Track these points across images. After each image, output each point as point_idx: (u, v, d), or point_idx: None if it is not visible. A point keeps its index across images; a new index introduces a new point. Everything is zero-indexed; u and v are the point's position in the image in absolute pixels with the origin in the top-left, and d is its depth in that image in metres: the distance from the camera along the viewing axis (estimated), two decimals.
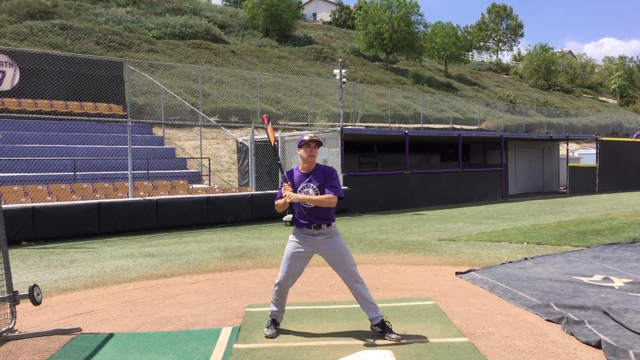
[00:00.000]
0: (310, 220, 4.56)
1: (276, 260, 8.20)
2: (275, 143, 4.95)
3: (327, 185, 4.59)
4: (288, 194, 4.51)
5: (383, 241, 10.36)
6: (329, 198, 4.51)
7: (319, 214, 4.56)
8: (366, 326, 4.76)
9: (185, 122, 20.46)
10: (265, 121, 4.98)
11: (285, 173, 4.69)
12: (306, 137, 4.61)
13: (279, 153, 5.12)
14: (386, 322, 4.54)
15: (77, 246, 10.42)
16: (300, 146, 4.63)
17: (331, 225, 4.62)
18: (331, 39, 52.45)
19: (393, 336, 4.44)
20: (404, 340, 4.40)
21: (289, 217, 12.96)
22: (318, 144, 4.63)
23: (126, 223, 12.11)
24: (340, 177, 16.11)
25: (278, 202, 4.62)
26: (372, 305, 4.58)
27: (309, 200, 4.50)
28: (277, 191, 4.75)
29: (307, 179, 4.63)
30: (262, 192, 14.72)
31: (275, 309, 4.71)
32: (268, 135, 4.95)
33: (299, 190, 4.59)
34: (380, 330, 4.53)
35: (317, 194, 4.55)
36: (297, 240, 4.62)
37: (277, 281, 4.66)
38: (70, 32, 30.26)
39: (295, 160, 16.21)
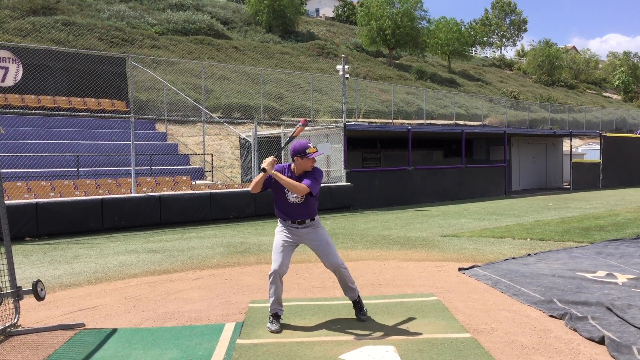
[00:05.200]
0: (294, 216, 4.74)
1: None
2: (292, 139, 4.88)
3: (306, 177, 4.66)
4: (268, 161, 4.52)
5: (386, 237, 10.35)
6: (299, 185, 4.59)
7: (302, 211, 4.73)
8: (369, 322, 4.78)
9: (188, 118, 20.45)
10: (302, 123, 4.94)
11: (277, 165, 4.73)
12: (311, 148, 4.65)
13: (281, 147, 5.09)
14: (360, 302, 4.94)
15: (80, 242, 10.45)
16: (301, 156, 4.64)
17: (314, 219, 4.83)
18: (334, 35, 52.30)
19: (362, 317, 4.85)
20: (407, 336, 4.40)
21: None
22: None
23: (129, 219, 12.13)
24: (343, 173, 16.11)
25: (254, 180, 4.69)
26: (353, 286, 4.91)
27: (279, 179, 4.55)
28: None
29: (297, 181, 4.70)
30: None
31: (274, 302, 4.71)
32: (295, 131, 4.84)
33: (287, 192, 4.69)
34: (354, 307, 4.95)
35: (302, 198, 4.69)
36: (284, 231, 4.79)
37: (271, 271, 4.68)
38: (73, 28, 30.26)
39: None
